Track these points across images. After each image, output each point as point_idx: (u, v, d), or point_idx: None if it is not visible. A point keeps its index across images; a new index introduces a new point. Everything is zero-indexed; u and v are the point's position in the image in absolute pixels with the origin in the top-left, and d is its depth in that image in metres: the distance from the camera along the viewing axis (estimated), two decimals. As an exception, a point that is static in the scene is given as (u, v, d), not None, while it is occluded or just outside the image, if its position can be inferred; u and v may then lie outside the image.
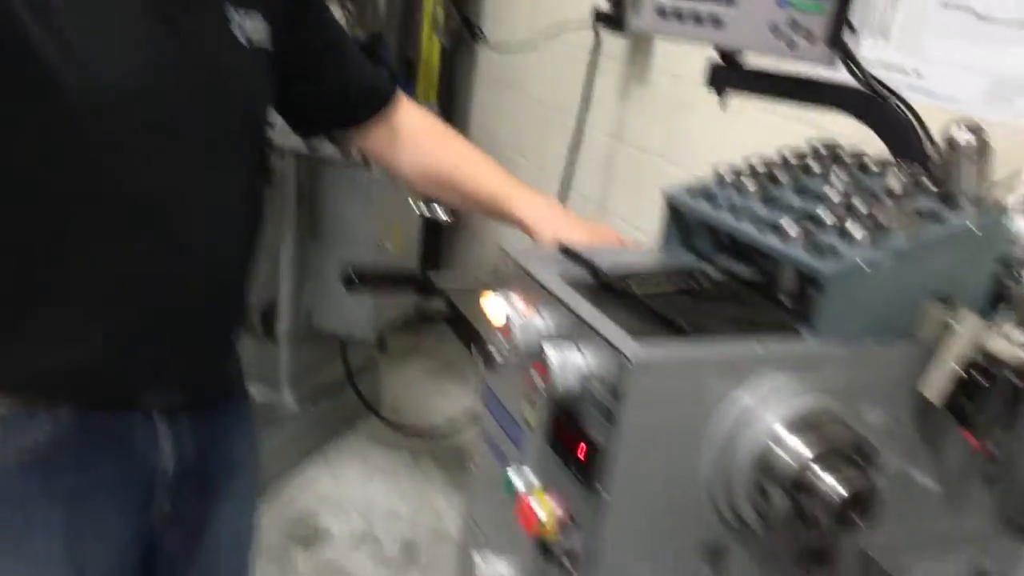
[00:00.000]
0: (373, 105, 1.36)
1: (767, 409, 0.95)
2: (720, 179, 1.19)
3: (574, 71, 2.99)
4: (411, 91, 3.18)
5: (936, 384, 0.98)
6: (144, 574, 1.20)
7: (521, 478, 1.09)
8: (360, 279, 1.20)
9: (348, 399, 3.17)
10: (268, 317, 2.96)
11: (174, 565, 1.24)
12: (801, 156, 1.22)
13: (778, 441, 0.93)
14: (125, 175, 0.96)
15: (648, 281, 1.08)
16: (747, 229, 1.08)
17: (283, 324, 2.96)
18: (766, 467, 0.93)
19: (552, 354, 0.96)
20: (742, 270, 1.19)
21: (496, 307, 1.11)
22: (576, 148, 2.93)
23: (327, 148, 2.61)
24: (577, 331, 0.99)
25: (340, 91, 1.33)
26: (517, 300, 1.11)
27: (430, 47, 3.80)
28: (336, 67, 1.31)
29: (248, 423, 1.34)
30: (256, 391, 3.11)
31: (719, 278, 1.15)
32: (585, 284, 1.08)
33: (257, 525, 1.38)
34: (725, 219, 1.11)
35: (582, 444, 0.95)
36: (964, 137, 1.00)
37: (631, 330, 0.95)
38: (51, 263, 0.94)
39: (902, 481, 1.07)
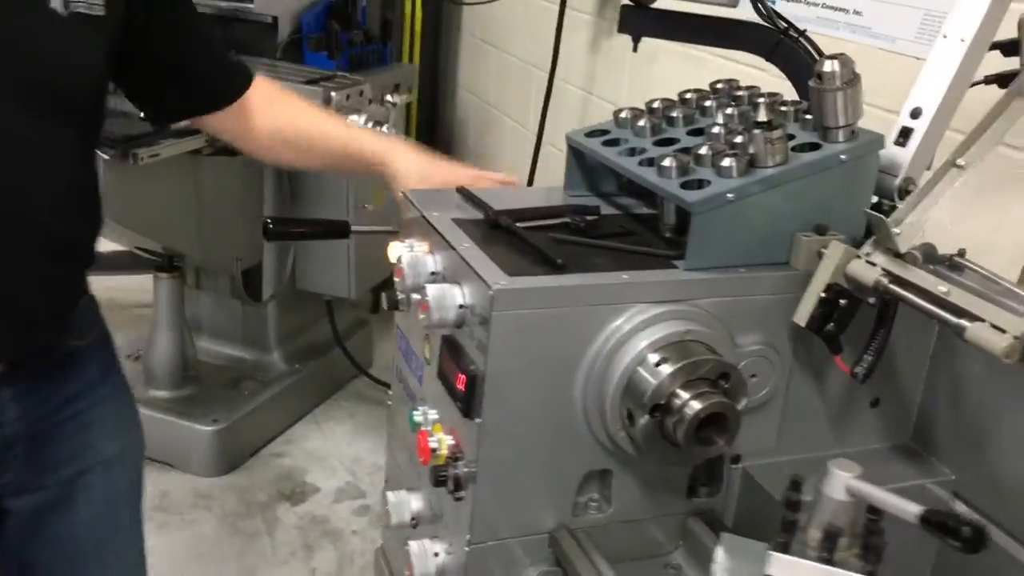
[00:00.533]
0: (234, 91, 1.35)
1: (637, 337, 0.98)
2: (618, 120, 1.22)
3: (550, 27, 3.00)
4: (388, 53, 3.21)
5: (803, 309, 1.01)
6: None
7: (422, 414, 1.14)
8: (276, 228, 1.24)
9: (338, 358, 3.23)
10: (252, 280, 3.03)
11: (30, 538, 1.23)
12: (701, 95, 1.25)
13: (644, 365, 0.97)
14: None
15: (536, 219, 1.12)
16: (629, 165, 1.11)
17: (267, 286, 3.03)
18: (633, 391, 0.97)
19: (430, 288, 1.00)
20: (638, 208, 1.22)
21: (397, 250, 1.15)
22: (548, 103, 2.95)
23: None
24: (460, 269, 1.03)
25: (202, 80, 1.33)
26: (417, 242, 1.15)
27: (413, 7, 3.81)
28: (197, 54, 1.31)
29: (110, 386, 1.30)
30: (246, 353, 3.19)
31: (611, 216, 1.19)
32: (478, 224, 1.12)
33: (139, 484, 1.36)
34: (611, 157, 1.14)
35: (461, 375, 1.00)
36: (831, 69, 1.02)
37: (505, 265, 0.99)
38: None
39: (784, 406, 1.10)
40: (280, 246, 2.96)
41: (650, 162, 1.10)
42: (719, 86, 1.26)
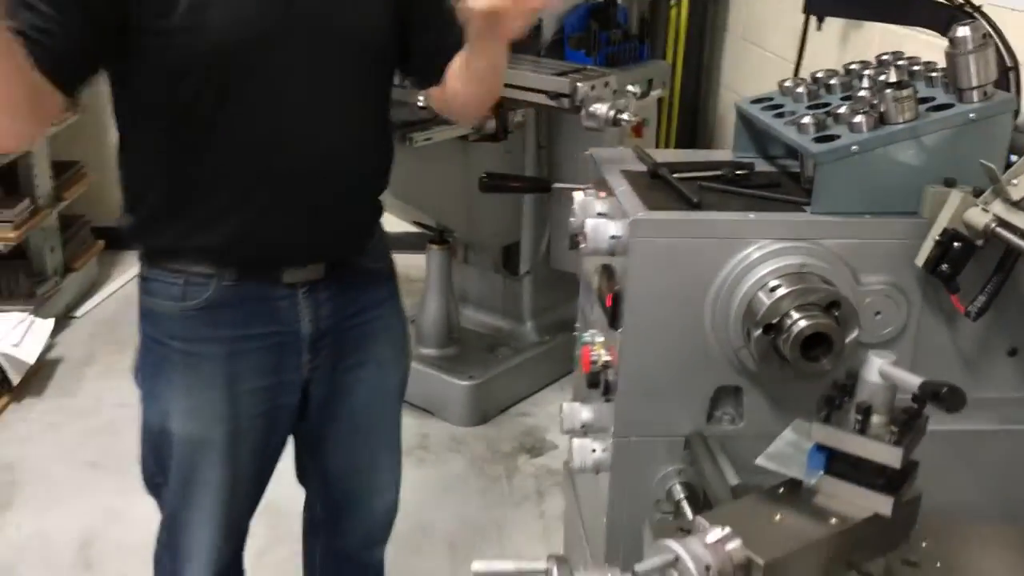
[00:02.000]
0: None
1: (759, 267, 1.14)
2: (782, 89, 1.37)
3: (800, 21, 3.07)
4: (644, 51, 3.41)
5: (922, 251, 1.12)
6: (301, 417, 1.53)
7: (590, 336, 1.36)
8: (491, 181, 1.50)
9: (588, 336, 3.49)
10: (511, 256, 3.36)
11: (322, 412, 1.53)
12: (863, 65, 1.36)
13: (763, 290, 1.12)
14: (249, 97, 1.28)
15: (692, 171, 1.30)
16: (775, 124, 1.26)
17: (524, 263, 3.34)
18: (751, 312, 1.13)
19: (588, 222, 1.22)
20: (795, 167, 1.36)
21: (577, 198, 1.37)
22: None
23: (563, 101, 2.87)
24: (615, 206, 1.24)
25: (450, 43, 1.45)
26: (595, 190, 1.37)
27: (678, 8, 4.00)
28: (447, 22, 1.44)
29: (390, 302, 1.57)
30: (503, 322, 3.53)
31: (764, 172, 1.34)
32: (642, 175, 1.32)
33: (402, 385, 1.63)
34: (764, 118, 1.30)
35: (609, 294, 1.20)
36: (963, 34, 1.12)
37: (649, 203, 1.19)
38: (201, 164, 1.31)
39: (914, 347, 1.20)
40: (536, 226, 3.27)
41: (795, 123, 1.24)
42: (884, 57, 1.37)
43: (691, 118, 4.23)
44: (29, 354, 2.98)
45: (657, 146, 3.71)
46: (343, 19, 1.33)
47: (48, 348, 3.15)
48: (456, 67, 1.43)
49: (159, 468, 1.45)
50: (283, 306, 1.41)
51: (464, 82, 1.43)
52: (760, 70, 3.77)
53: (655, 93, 3.33)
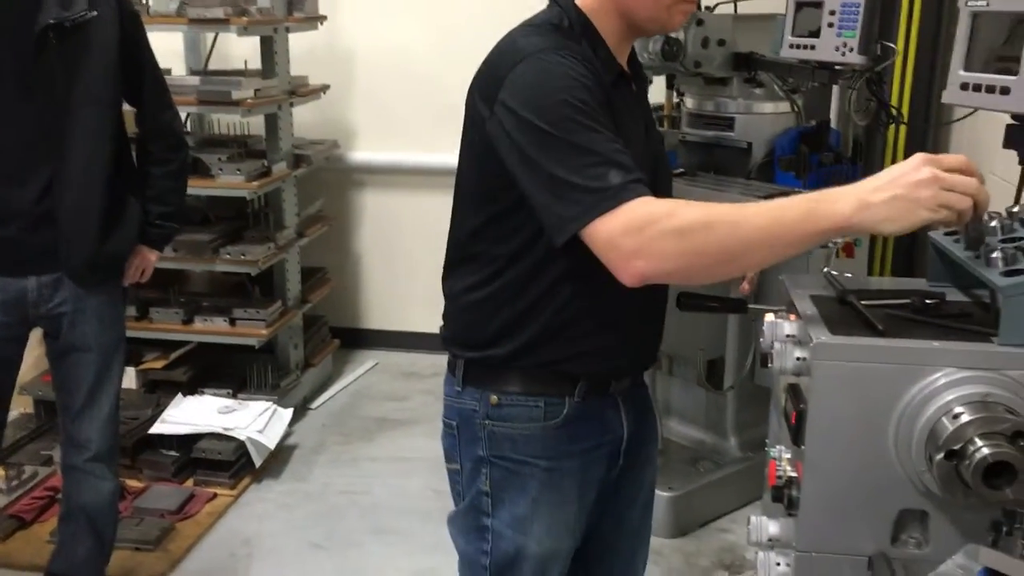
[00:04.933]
0: None
1: (943, 394, 1.18)
2: (978, 223, 1.41)
3: None
4: (857, 173, 3.42)
5: (1114, 386, 1.12)
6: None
7: (777, 451, 1.42)
8: (688, 300, 1.61)
9: (794, 455, 3.45)
10: (715, 370, 3.40)
11: (614, 514, 1.66)
12: (1062, 200, 1.38)
13: (946, 415, 1.16)
14: None
15: (877, 298, 1.36)
16: (965, 257, 1.30)
17: (728, 378, 3.37)
18: (934, 437, 1.17)
19: (776, 345, 1.30)
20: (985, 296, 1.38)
21: (768, 321, 1.46)
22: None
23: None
24: (802, 329, 1.32)
25: None
26: (786, 313, 1.45)
27: (896, 135, 3.98)
28: None
29: (654, 423, 1.73)
30: (705, 436, 3.56)
31: (955, 302, 1.37)
32: (831, 300, 1.39)
33: None
34: (955, 250, 1.34)
35: (793, 412, 1.28)
36: None
37: (833, 327, 1.26)
38: (578, 300, 1.45)
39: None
40: (740, 342, 3.31)
41: (985, 256, 1.28)
42: (1084, 192, 1.38)
43: (909, 240, 4.15)
44: (271, 440, 3.32)
45: (870, 269, 3.68)
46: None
47: (286, 436, 3.49)
48: None
49: None
50: (610, 415, 1.58)
51: None
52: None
53: (868, 214, 3.33)
